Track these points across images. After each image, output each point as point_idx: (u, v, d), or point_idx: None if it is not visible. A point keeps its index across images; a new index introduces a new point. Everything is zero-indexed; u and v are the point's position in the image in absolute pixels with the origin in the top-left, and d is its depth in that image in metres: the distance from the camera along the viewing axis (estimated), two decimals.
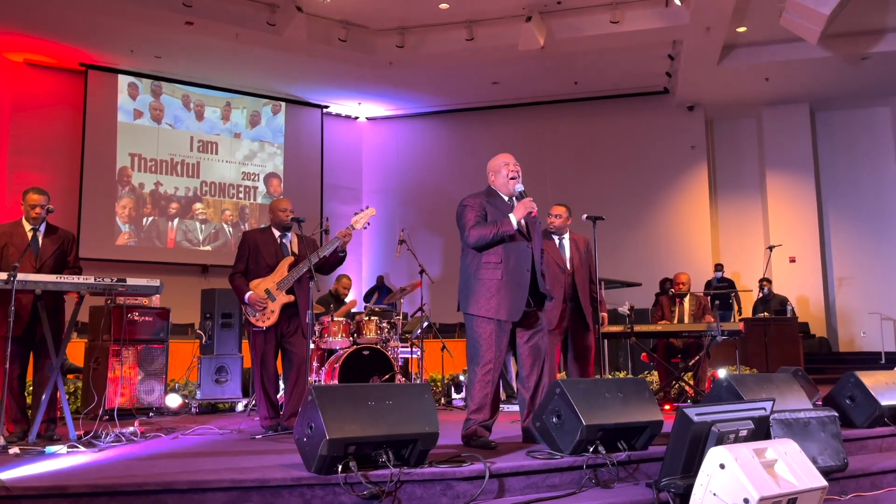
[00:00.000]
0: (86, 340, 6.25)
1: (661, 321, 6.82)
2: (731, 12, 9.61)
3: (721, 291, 10.49)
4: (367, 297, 11.95)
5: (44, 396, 4.20)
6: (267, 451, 3.86)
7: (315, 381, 6.08)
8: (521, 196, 4.03)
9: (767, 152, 12.97)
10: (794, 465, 2.93)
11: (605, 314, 5.72)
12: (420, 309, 7.15)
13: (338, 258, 4.89)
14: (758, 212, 13.18)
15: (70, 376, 7.39)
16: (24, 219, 4.46)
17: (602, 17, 10.36)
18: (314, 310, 4.95)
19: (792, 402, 4.16)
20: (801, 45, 10.58)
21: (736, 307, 10.97)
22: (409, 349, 7.03)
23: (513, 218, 3.94)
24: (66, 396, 4.50)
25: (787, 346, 8.95)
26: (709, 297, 7.14)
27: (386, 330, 6.52)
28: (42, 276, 4.12)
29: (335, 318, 6.35)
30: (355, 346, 6.09)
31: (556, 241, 5.33)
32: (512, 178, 4.09)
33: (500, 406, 4.12)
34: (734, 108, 13.05)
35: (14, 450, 3.76)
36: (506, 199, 4.13)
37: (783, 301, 10.25)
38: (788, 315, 9.63)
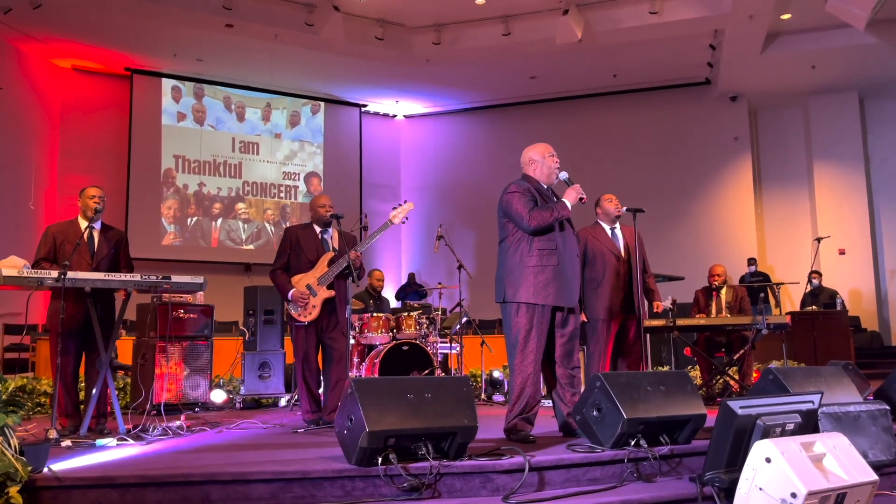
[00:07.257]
0: (133, 338, 6.40)
1: (698, 315, 6.70)
2: None
3: (757, 284, 10.22)
4: (398, 295, 11.98)
5: (94, 391, 4.33)
6: (309, 445, 3.92)
7: (355, 377, 6.13)
8: (569, 182, 4.07)
9: (815, 142, 12.62)
10: (843, 460, 2.86)
11: (660, 303, 5.63)
12: (459, 304, 7.15)
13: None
14: (805, 203, 12.83)
15: (120, 373, 7.60)
16: (79, 217, 4.61)
17: (641, 7, 10.20)
18: (353, 306, 4.98)
19: (841, 395, 4.05)
20: (848, 31, 10.26)
21: (773, 301, 10.66)
22: (448, 345, 7.04)
23: (567, 202, 3.97)
24: (116, 392, 4.63)
25: (837, 340, 8.71)
26: (745, 289, 6.99)
27: (425, 325, 6.53)
28: (91, 274, 4.24)
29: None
30: (395, 342, 6.12)
31: (608, 231, 5.30)
32: (557, 168, 4.14)
33: (540, 400, 4.08)
34: (779, 97, 12.72)
35: (66, 443, 3.88)
36: (544, 187, 4.13)
37: (833, 294, 9.98)
38: (838, 308, 9.37)
